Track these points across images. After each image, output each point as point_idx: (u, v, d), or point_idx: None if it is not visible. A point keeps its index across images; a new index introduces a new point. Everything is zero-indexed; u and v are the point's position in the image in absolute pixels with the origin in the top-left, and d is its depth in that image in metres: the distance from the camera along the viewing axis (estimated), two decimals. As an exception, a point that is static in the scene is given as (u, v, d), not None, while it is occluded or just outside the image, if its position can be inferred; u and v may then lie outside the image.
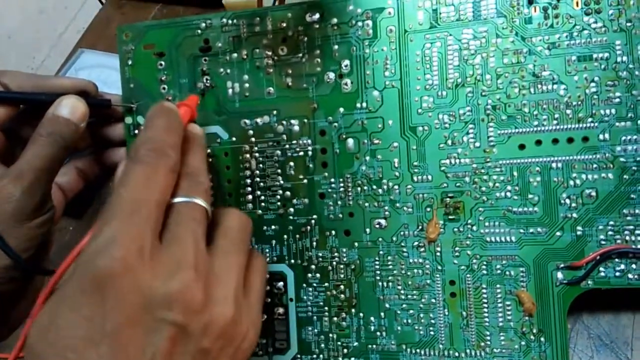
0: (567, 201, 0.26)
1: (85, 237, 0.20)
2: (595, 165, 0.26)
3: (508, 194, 0.27)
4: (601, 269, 0.26)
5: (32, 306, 0.28)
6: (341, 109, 0.29)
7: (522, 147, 0.27)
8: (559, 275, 0.26)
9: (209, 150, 0.31)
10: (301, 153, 0.30)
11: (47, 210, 0.27)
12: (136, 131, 0.32)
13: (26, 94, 0.28)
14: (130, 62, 0.33)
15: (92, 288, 0.18)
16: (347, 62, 0.29)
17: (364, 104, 0.29)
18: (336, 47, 0.29)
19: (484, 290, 0.27)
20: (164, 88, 0.32)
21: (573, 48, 0.26)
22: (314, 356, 0.30)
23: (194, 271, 0.19)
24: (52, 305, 0.18)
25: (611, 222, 0.26)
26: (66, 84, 0.29)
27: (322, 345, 0.30)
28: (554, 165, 0.26)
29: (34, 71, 0.52)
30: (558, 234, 0.26)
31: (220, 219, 0.23)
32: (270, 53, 0.30)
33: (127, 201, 0.20)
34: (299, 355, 0.30)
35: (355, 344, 0.29)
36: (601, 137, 0.26)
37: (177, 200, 0.22)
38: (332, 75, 0.29)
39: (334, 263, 0.30)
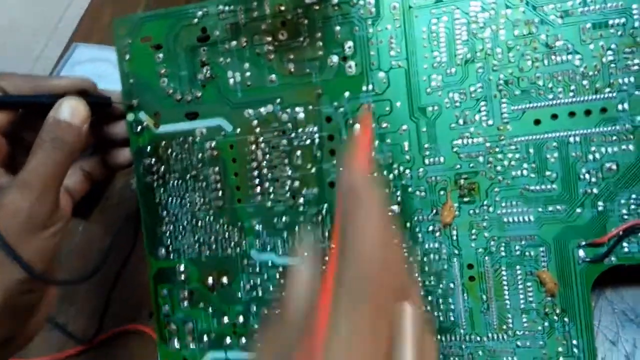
0: (587, 176, 0.25)
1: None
2: (614, 137, 0.25)
3: (524, 172, 0.26)
4: (624, 244, 0.25)
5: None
6: (347, 93, 0.28)
7: (537, 122, 0.26)
8: (581, 253, 0.25)
9: (213, 144, 0.31)
10: (308, 141, 0.29)
11: (58, 219, 0.26)
12: (139, 128, 0.32)
13: (25, 97, 0.28)
14: (128, 57, 0.32)
15: None
16: (350, 43, 0.28)
17: (370, 87, 0.28)
18: (338, 28, 0.28)
19: (504, 272, 0.27)
20: (163, 81, 0.31)
21: (587, 15, 0.25)
22: (333, 346, 0.29)
23: None
24: None
25: (633, 196, 0.25)
26: (65, 84, 0.28)
27: (341, 335, 0.29)
28: (571, 139, 0.25)
29: (35, 60, 0.51)
30: (578, 210, 0.25)
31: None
32: (270, 39, 0.29)
33: None
34: (317, 346, 0.30)
35: (374, 332, 0.29)
36: (620, 107, 0.25)
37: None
38: (335, 58, 0.28)
39: (348, 251, 0.29)
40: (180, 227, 0.32)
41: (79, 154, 0.27)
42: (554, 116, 0.26)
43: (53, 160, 0.25)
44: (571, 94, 0.25)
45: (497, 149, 0.26)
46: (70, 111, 0.26)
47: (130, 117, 0.32)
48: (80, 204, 0.40)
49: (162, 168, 0.32)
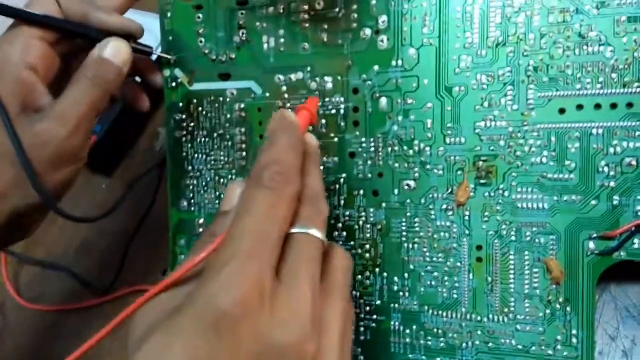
0: (606, 169, 0.25)
1: (200, 254, 0.19)
2: (638, 133, 0.25)
3: (544, 159, 0.26)
4: (635, 240, 0.25)
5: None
6: (376, 67, 0.29)
7: (562, 111, 0.26)
8: (591, 245, 0.26)
9: (242, 105, 0.32)
10: (333, 111, 0.30)
11: (82, 159, 0.27)
12: (174, 84, 0.33)
13: (74, 25, 0.28)
14: (169, 15, 0.33)
15: (209, 328, 0.17)
16: (384, 17, 0.28)
17: (399, 62, 0.28)
18: (374, 1, 0.29)
19: (511, 257, 0.27)
20: (201, 41, 0.32)
21: (624, 8, 0.25)
22: (336, 311, 0.30)
23: (311, 320, 0.18)
24: (164, 335, 0.17)
25: (651, 193, 0.25)
26: (114, 23, 0.28)
27: (345, 301, 0.30)
28: (594, 131, 0.25)
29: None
30: (593, 202, 0.26)
31: (326, 256, 0.22)
32: (306, 7, 0.30)
33: (251, 234, 0.19)
34: (321, 310, 0.30)
35: (378, 302, 0.29)
36: (648, 103, 0.25)
37: (296, 230, 0.20)
38: (368, 31, 0.29)
39: (361, 222, 0.30)
40: (203, 182, 0.33)
41: (114, 93, 0.28)
42: (579, 106, 0.26)
43: (90, 96, 0.26)
44: (599, 85, 0.25)
45: (519, 134, 0.26)
46: (115, 51, 0.27)
47: (166, 72, 0.33)
48: (105, 162, 0.42)
49: (192, 124, 0.33)
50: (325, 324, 0.20)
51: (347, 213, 0.30)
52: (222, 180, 0.33)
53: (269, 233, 0.19)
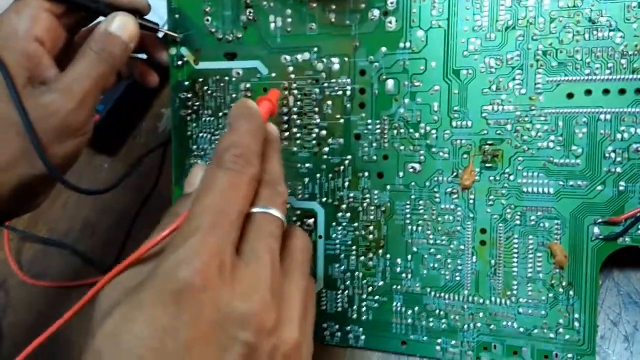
0: (612, 155, 0.25)
1: (162, 233, 0.20)
2: (646, 119, 0.25)
3: (550, 144, 0.26)
4: (640, 226, 0.25)
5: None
6: (383, 49, 0.29)
7: (570, 96, 0.26)
8: (596, 230, 0.26)
9: (248, 85, 0.32)
10: (339, 92, 0.30)
11: (87, 131, 0.27)
12: (180, 62, 0.33)
13: None
14: (175, -8, 0.33)
15: (171, 300, 0.17)
16: (393, -1, 0.28)
17: (407, 44, 0.28)
18: (383, -17, 0.28)
19: (515, 241, 0.27)
20: (207, 20, 0.32)
21: (636, -8, 0.24)
22: (339, 292, 0.30)
23: (270, 292, 0.19)
24: (127, 309, 0.18)
25: (657, 180, 0.25)
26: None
27: (348, 282, 0.30)
28: (602, 116, 0.25)
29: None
30: (599, 188, 0.26)
31: (286, 237, 0.23)
32: (315, -13, 0.30)
33: (211, 211, 0.19)
34: (324, 290, 0.31)
35: (380, 283, 0.30)
36: (657, 89, 0.25)
37: (256, 210, 0.21)
38: (376, 12, 0.29)
39: (365, 204, 0.30)
40: (207, 161, 0.33)
41: (121, 69, 0.28)
42: (588, 92, 0.26)
43: (96, 70, 0.26)
44: (608, 71, 0.25)
45: (526, 119, 0.26)
46: (122, 26, 0.27)
47: (172, 50, 0.33)
48: (107, 142, 0.42)
49: (197, 103, 0.33)
50: (285, 298, 0.20)
51: (352, 195, 0.30)
52: (226, 160, 0.32)
53: (229, 210, 0.20)
